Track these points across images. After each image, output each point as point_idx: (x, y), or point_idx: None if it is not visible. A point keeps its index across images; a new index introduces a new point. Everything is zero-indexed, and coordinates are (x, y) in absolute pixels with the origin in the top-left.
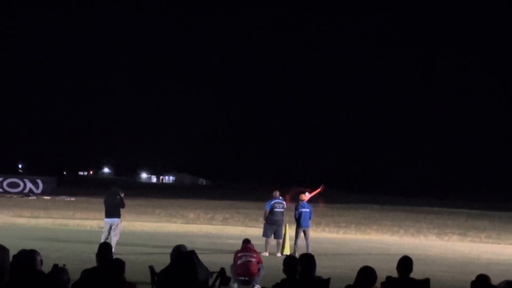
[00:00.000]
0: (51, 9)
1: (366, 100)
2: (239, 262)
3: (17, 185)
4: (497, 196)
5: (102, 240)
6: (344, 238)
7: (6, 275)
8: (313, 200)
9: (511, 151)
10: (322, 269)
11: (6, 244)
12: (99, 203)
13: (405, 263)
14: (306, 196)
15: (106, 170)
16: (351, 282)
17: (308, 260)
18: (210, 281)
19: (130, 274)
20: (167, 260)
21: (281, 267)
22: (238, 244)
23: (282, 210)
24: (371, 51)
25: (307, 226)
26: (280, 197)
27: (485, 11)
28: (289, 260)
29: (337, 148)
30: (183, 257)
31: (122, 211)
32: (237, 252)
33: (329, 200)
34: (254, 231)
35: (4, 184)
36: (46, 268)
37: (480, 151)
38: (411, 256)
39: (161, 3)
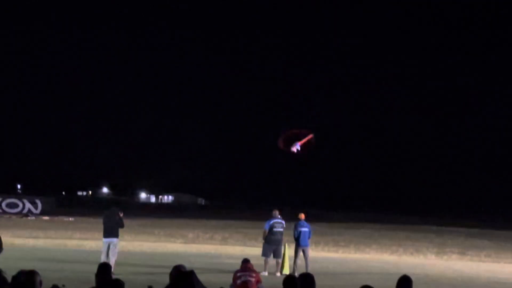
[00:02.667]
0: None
1: (362, 115)
2: (238, 281)
3: (16, 206)
4: (496, 215)
5: (102, 260)
6: (343, 257)
7: None
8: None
9: (510, 170)
10: None
11: (4, 265)
12: (98, 223)
13: (405, 282)
14: (297, 145)
15: (104, 190)
16: None
17: (307, 279)
18: None
19: None
20: (166, 280)
21: (281, 286)
22: (238, 263)
23: (281, 229)
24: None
25: (306, 246)
26: (280, 217)
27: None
28: (288, 280)
29: (335, 167)
30: (183, 277)
31: (121, 231)
32: (237, 271)
33: (328, 219)
34: (254, 251)
35: (3, 204)
36: None
37: (479, 171)
38: (410, 276)
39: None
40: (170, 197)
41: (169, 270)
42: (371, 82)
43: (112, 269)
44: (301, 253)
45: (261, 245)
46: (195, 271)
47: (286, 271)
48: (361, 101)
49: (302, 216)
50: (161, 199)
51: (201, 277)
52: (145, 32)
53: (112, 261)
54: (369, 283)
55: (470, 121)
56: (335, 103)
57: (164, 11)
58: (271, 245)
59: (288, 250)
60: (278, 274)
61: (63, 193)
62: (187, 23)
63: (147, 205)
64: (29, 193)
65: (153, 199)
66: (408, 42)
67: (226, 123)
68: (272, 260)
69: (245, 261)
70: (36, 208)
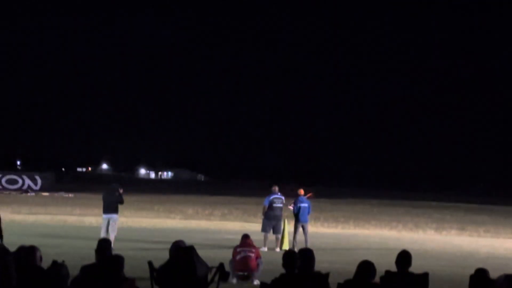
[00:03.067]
0: (50, 10)
1: (365, 94)
2: (238, 257)
3: (16, 182)
4: (495, 191)
5: (102, 236)
6: (342, 233)
7: (13, 280)
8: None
9: (510, 146)
10: (321, 264)
11: (4, 241)
12: (98, 199)
13: (404, 257)
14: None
15: (104, 166)
16: (350, 277)
17: (307, 255)
18: (209, 277)
19: (129, 269)
20: (166, 255)
21: (280, 262)
22: (237, 239)
23: (281, 205)
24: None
25: (306, 221)
26: (279, 193)
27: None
28: (288, 255)
29: (335, 143)
30: (182, 253)
31: (120, 207)
32: (236, 247)
33: (327, 195)
34: (253, 227)
35: (3, 180)
36: (46, 264)
37: (479, 146)
38: (409, 251)
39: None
40: (170, 173)
41: (168, 246)
42: (364, 52)
43: (112, 245)
44: (300, 229)
45: (261, 221)
46: (195, 246)
47: (286, 246)
48: (356, 72)
49: (301, 191)
50: (160, 175)
51: (201, 253)
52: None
53: (112, 237)
54: (368, 258)
55: (470, 96)
56: (331, 73)
57: None
58: (271, 221)
59: (288, 226)
60: (278, 249)
61: (63, 169)
62: None
63: (146, 181)
64: (29, 169)
65: (152, 175)
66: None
67: (226, 99)
68: (271, 236)
69: (245, 237)
70: (36, 184)
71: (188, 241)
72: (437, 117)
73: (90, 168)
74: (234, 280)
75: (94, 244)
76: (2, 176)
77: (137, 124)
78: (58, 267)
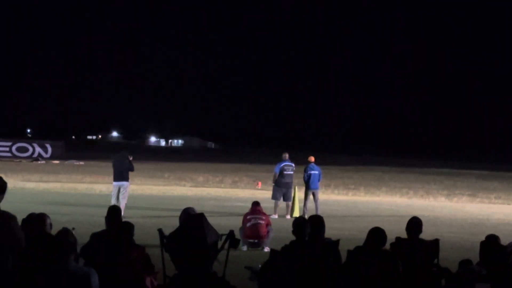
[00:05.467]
0: None
1: (376, 66)
2: (248, 224)
3: (26, 150)
4: (507, 157)
5: (112, 204)
6: (353, 200)
7: (22, 243)
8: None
9: None
10: (331, 231)
11: (15, 208)
12: (108, 167)
13: (415, 224)
14: None
15: (114, 134)
16: (361, 244)
17: (317, 222)
18: (219, 244)
19: (139, 237)
20: (176, 223)
21: (290, 229)
22: (247, 207)
23: (291, 172)
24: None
25: (316, 188)
26: (289, 160)
27: None
28: (298, 222)
29: (345, 111)
30: (192, 220)
31: (131, 174)
32: (246, 214)
33: (338, 162)
34: (263, 194)
35: (13, 148)
36: (55, 231)
37: (489, 113)
38: (420, 218)
39: None
40: (180, 141)
41: (178, 213)
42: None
43: (122, 212)
44: (311, 196)
45: (271, 188)
46: (205, 214)
47: (296, 213)
48: (370, 47)
49: (312, 159)
50: (171, 143)
51: (211, 220)
52: None
53: (122, 204)
54: (379, 225)
55: (480, 64)
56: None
57: None
58: (281, 188)
59: (298, 193)
60: (288, 216)
61: (73, 137)
62: None
63: (157, 149)
64: (39, 137)
65: (163, 143)
66: None
67: (235, 67)
68: (282, 203)
69: (255, 204)
70: (46, 152)
71: (198, 208)
72: (446, 84)
73: (100, 136)
74: (245, 248)
75: (105, 212)
76: (13, 144)
77: (147, 92)
78: (64, 232)
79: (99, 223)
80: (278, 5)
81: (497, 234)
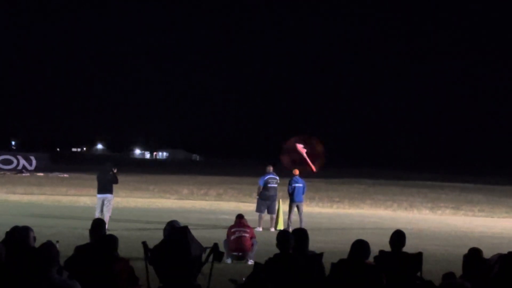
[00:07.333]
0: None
1: (359, 76)
2: (232, 237)
3: (10, 162)
4: (490, 170)
5: (96, 216)
6: (337, 212)
7: (1, 256)
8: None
9: (504, 126)
10: (315, 243)
11: None
12: (93, 179)
13: (398, 237)
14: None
15: (99, 146)
16: (345, 256)
17: (301, 234)
18: (204, 257)
19: (123, 250)
20: (160, 236)
21: (275, 242)
22: (232, 219)
23: (275, 185)
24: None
25: (301, 201)
26: (274, 173)
27: None
28: (282, 235)
29: (329, 125)
30: (176, 233)
31: (115, 187)
32: (231, 227)
33: (322, 175)
34: (248, 207)
35: None
36: (40, 244)
37: (474, 125)
38: (404, 230)
39: None
40: (165, 153)
41: (163, 226)
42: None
43: (106, 225)
44: (295, 209)
45: (256, 201)
46: (189, 227)
47: (280, 226)
48: (357, 57)
49: (297, 172)
50: (155, 155)
51: (195, 233)
52: None
53: (106, 217)
54: (363, 238)
55: (468, 76)
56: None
57: None
58: (265, 201)
59: (282, 206)
60: (272, 229)
61: (58, 149)
62: None
63: (141, 161)
64: (24, 149)
65: (147, 155)
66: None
67: (220, 80)
68: (266, 216)
69: (239, 217)
70: (30, 164)
71: (183, 221)
72: (433, 96)
73: (85, 148)
74: (229, 260)
75: (89, 224)
76: None
77: (132, 104)
78: (47, 246)
79: (83, 235)
80: (267, 20)
81: (480, 247)
